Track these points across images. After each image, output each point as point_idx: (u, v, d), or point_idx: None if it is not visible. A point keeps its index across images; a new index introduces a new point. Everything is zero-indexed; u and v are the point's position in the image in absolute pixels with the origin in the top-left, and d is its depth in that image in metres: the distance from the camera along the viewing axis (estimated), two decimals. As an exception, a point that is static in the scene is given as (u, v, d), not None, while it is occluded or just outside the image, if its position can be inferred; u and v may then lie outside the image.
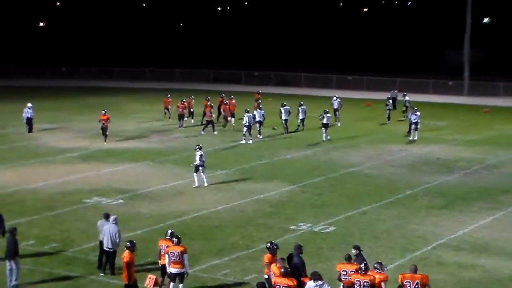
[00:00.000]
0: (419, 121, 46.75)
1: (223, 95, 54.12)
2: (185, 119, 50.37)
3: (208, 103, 48.69)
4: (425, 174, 37.03)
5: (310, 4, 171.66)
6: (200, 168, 33.33)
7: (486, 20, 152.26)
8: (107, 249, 22.32)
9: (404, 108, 55.98)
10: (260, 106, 49.20)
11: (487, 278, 22.92)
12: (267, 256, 19.60)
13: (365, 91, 73.53)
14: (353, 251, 20.16)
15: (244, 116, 45.37)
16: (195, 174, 33.50)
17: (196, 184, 33.33)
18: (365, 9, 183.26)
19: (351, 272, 18.64)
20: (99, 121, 43.80)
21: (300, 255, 19.78)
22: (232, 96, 53.49)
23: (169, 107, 53.56)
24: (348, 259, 19.35)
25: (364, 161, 40.09)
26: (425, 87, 72.71)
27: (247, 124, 44.77)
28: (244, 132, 45.11)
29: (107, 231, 22.29)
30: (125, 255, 20.18)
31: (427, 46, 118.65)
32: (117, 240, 22.31)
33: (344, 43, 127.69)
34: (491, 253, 25.15)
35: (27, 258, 23.24)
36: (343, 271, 18.99)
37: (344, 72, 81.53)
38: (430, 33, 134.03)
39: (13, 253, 21.47)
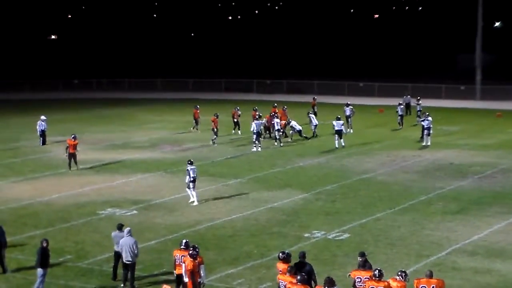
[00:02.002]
0: (431, 126, 46.65)
1: (275, 104, 53.71)
2: (215, 136, 47.43)
3: (256, 114, 48.72)
4: (439, 179, 36.91)
5: (321, 11, 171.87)
6: (191, 184, 32.14)
7: (497, 24, 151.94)
8: (127, 262, 22.31)
9: (418, 113, 55.89)
10: (315, 111, 55.24)
11: (503, 282, 22.81)
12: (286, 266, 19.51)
13: (377, 97, 73.44)
14: (359, 258, 20.07)
15: (251, 124, 45.46)
16: (187, 189, 32.33)
17: (195, 202, 32.17)
18: (376, 15, 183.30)
19: (366, 279, 18.60)
20: (66, 148, 39.58)
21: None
22: (286, 107, 52.44)
23: (198, 118, 52.70)
24: (363, 265, 19.29)
25: (377, 167, 40.01)
26: (437, 92, 72.57)
27: (255, 131, 44.84)
28: (254, 140, 45.17)
29: (124, 244, 22.25)
30: (188, 263, 20.10)
31: (438, 51, 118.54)
32: (136, 251, 22.28)
33: (356, 50, 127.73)
34: (506, 258, 25.03)
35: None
36: (357, 278, 18.94)
37: (356, 78, 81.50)
38: (441, 38, 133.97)
39: (37, 263, 21.76)
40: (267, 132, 49.29)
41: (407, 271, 22.64)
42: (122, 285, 22.48)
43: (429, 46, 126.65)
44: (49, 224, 29.25)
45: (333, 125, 45.59)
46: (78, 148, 39.67)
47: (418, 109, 56.24)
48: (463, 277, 23.16)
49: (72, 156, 39.12)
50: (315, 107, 57.28)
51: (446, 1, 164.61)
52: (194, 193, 32.24)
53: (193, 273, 20.04)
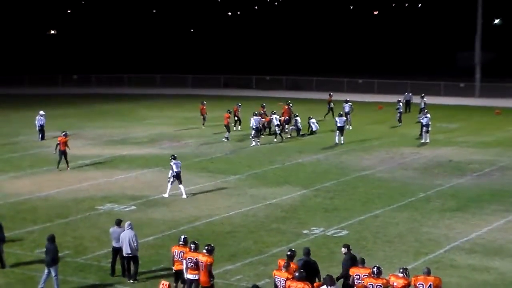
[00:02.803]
0: (430, 123, 46.68)
1: (289, 101, 53.81)
2: (228, 133, 47.59)
3: (264, 110, 48.96)
4: (438, 177, 36.91)
5: (320, 8, 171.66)
6: (171, 179, 32.51)
7: (497, 21, 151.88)
8: (126, 255, 22.41)
9: (421, 110, 55.70)
10: (332, 107, 55.69)
11: (500, 280, 22.83)
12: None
13: (376, 94, 73.42)
14: (343, 249, 20.42)
15: (251, 119, 45.60)
16: (169, 184, 32.75)
17: (166, 195, 32.71)
18: (376, 12, 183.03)
19: (364, 276, 18.62)
20: (57, 145, 38.41)
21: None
22: (291, 104, 52.82)
23: (205, 114, 52.65)
24: (362, 262, 19.31)
25: (376, 164, 40.02)
26: (436, 89, 72.54)
27: (254, 127, 44.99)
28: (252, 135, 45.31)
29: (124, 237, 22.33)
30: (207, 258, 19.98)
31: (438, 48, 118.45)
32: (135, 244, 22.33)
33: (355, 46, 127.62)
34: (504, 256, 25.05)
35: (40, 265, 23.27)
36: (356, 275, 18.96)
37: (355, 75, 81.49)
38: (441, 35, 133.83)
39: (50, 261, 21.64)
40: (267, 129, 49.18)
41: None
42: (130, 281, 22.52)
43: (428, 43, 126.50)
44: (47, 219, 29.27)
45: (336, 121, 45.69)
46: (69, 145, 38.88)
47: (422, 106, 56.16)
48: (461, 274, 23.18)
49: (63, 153, 38.36)
50: (331, 104, 57.12)
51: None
52: (181, 186, 32.65)
53: (210, 267, 20.07)
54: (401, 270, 18.71)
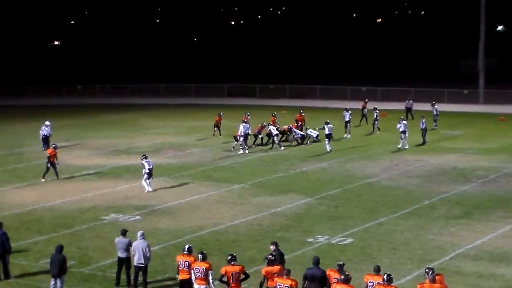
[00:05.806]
0: (407, 130, 46.55)
1: (302, 111, 54.04)
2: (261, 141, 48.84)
3: (275, 119, 49.49)
4: (442, 184, 36.87)
5: (323, 15, 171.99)
6: (146, 175, 35.03)
7: (500, 28, 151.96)
8: (139, 265, 22.37)
9: (435, 118, 55.60)
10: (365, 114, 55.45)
11: (507, 287, 22.78)
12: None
13: (380, 102, 73.27)
14: (271, 247, 21.05)
15: (240, 126, 45.74)
16: (143, 181, 35.33)
17: (150, 189, 35.19)
18: (379, 20, 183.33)
19: (378, 283, 18.50)
20: (48, 157, 38.47)
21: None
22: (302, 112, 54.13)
23: (219, 125, 52.33)
24: (377, 270, 19.19)
25: (380, 172, 39.99)
26: (440, 97, 72.41)
27: (243, 133, 45.34)
28: (240, 142, 45.42)
29: (137, 247, 22.31)
30: (239, 267, 20.09)
31: (441, 55, 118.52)
32: (148, 255, 22.35)
33: (358, 54, 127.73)
34: (510, 262, 24.98)
35: (45, 276, 23.30)
36: (369, 282, 18.89)
37: (358, 83, 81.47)
38: (444, 42, 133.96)
39: (59, 271, 21.65)
40: (271, 138, 49.23)
41: (410, 276, 22.71)
42: None
43: (431, 50, 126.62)
44: (52, 229, 29.29)
45: (324, 129, 45.97)
46: (57, 158, 38.73)
47: (435, 113, 56.00)
48: (466, 282, 23.13)
49: (52, 165, 38.42)
50: (365, 110, 57.45)
51: (448, 5, 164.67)
52: (149, 181, 35.15)
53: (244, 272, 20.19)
54: (430, 273, 18.49)
